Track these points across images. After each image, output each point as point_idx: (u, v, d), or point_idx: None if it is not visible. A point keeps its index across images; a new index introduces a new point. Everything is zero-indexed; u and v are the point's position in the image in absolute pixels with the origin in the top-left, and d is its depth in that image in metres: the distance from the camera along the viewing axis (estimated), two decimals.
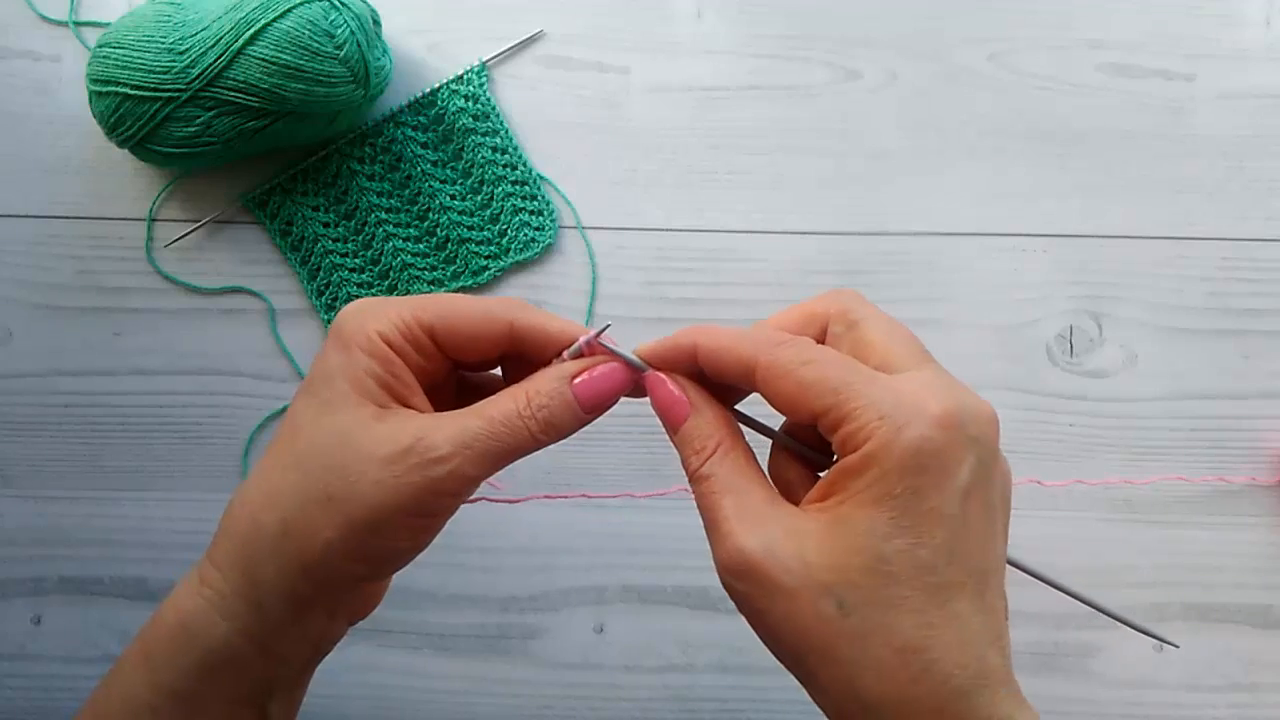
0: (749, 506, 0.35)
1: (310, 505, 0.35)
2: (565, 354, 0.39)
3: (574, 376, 0.37)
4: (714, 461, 0.36)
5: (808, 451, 0.38)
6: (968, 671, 0.32)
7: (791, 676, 0.35)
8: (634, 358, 0.38)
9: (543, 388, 0.37)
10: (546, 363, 0.39)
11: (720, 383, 0.38)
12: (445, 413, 0.37)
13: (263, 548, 0.35)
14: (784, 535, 0.33)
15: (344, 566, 0.36)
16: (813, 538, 0.33)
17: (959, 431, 0.32)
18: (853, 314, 0.37)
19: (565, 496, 0.53)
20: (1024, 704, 0.33)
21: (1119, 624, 0.40)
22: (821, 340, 0.37)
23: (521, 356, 0.40)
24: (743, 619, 0.35)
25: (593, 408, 0.38)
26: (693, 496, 0.37)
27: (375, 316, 0.36)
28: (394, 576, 0.42)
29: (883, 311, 0.37)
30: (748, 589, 0.33)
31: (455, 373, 0.41)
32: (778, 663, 0.35)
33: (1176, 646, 0.40)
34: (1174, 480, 0.65)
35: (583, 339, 0.38)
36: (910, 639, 0.32)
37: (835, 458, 0.34)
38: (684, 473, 0.38)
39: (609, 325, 0.39)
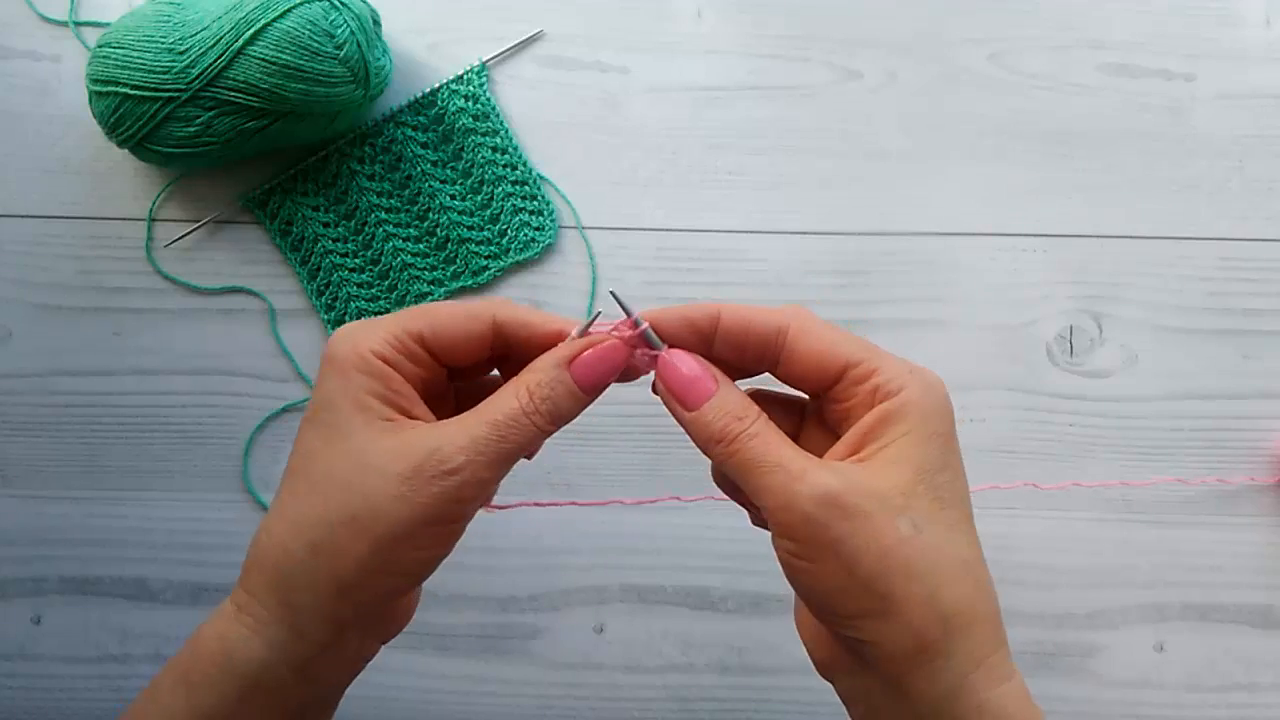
0: (805, 453, 0.37)
1: (336, 528, 0.36)
2: (574, 333, 0.39)
3: (570, 360, 0.38)
4: (760, 423, 0.37)
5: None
6: (993, 587, 0.37)
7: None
8: (654, 336, 0.39)
9: (542, 379, 0.38)
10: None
11: (731, 361, 0.40)
12: (452, 420, 0.37)
13: (296, 573, 0.37)
14: (849, 472, 0.36)
15: (377, 581, 0.37)
16: (875, 473, 0.36)
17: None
18: (806, 324, 0.40)
19: (555, 504, 0.54)
20: None
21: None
22: None
23: (513, 356, 0.40)
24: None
25: (592, 388, 0.39)
26: (708, 480, 0.39)
27: (366, 335, 0.37)
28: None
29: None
30: (831, 516, 0.35)
31: (453, 381, 0.42)
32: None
33: None
34: (1171, 483, 0.65)
35: (576, 330, 0.39)
36: (967, 555, 0.36)
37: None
38: (707, 447, 0.38)
39: (599, 314, 0.39)
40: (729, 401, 0.38)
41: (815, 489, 0.35)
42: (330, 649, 0.38)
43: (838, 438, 0.38)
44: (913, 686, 0.36)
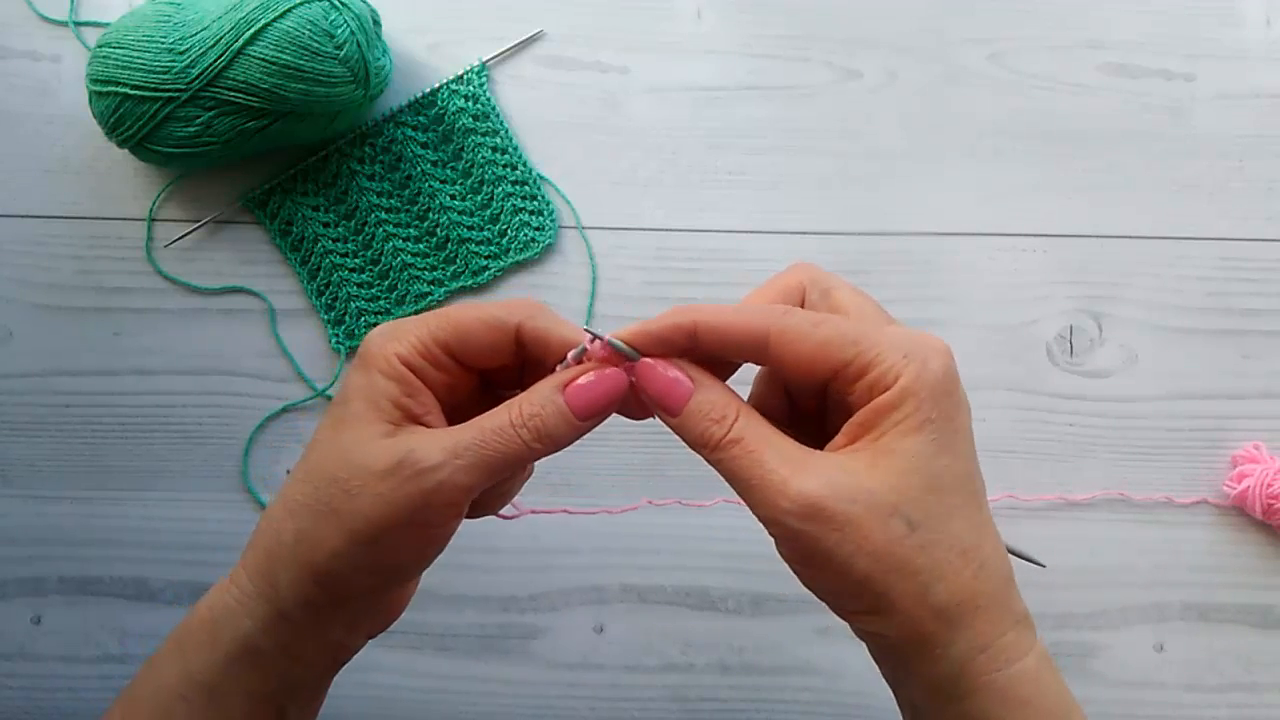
0: (790, 455, 0.36)
1: (318, 517, 0.37)
2: (559, 366, 0.39)
3: (566, 384, 0.38)
4: (740, 425, 0.37)
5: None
6: (1005, 565, 0.37)
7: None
8: (624, 346, 0.38)
9: (534, 397, 0.38)
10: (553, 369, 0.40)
11: (711, 360, 0.39)
12: (446, 428, 0.38)
13: (281, 555, 0.38)
14: (837, 472, 0.35)
15: (352, 576, 0.38)
16: (866, 469, 0.35)
17: (955, 364, 0.37)
18: (823, 282, 0.39)
19: (550, 512, 0.53)
20: None
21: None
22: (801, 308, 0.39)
23: (535, 363, 0.40)
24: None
25: (588, 415, 0.38)
26: (714, 468, 0.38)
27: (395, 339, 0.38)
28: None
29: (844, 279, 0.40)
30: (817, 529, 0.35)
31: (482, 385, 0.42)
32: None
33: (1043, 566, 0.48)
34: (1116, 496, 0.65)
35: (571, 353, 0.39)
36: (968, 541, 0.36)
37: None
38: (697, 451, 0.38)
39: (600, 337, 0.39)
40: (706, 403, 0.37)
41: (798, 502, 0.35)
42: (312, 632, 0.39)
43: (843, 409, 0.37)
44: (915, 670, 0.37)
